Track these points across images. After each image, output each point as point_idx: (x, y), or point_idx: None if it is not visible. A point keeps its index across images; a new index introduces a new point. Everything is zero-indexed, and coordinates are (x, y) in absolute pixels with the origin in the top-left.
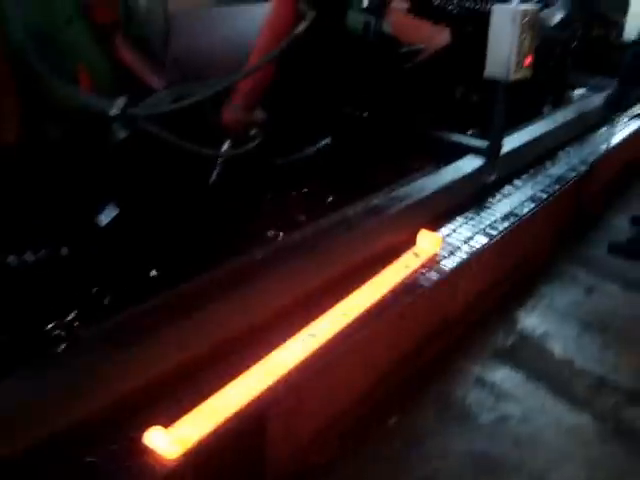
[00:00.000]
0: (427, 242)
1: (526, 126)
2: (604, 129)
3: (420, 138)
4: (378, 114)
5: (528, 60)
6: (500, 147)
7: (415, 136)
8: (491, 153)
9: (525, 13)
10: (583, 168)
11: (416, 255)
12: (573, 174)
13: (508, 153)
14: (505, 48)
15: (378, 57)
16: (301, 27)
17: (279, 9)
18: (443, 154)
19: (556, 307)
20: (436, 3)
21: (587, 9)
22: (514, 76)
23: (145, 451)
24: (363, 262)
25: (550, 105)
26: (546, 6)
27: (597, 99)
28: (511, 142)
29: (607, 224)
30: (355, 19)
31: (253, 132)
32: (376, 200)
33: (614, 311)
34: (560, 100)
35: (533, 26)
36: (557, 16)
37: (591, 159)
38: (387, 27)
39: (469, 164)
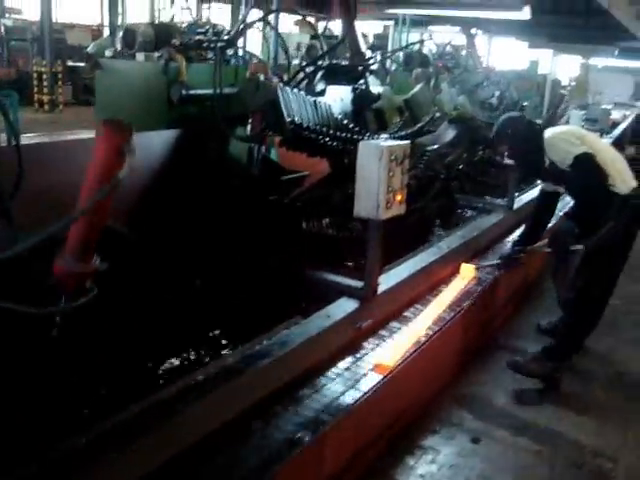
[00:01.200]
0: None
1: (407, 259)
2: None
3: (293, 278)
4: (249, 251)
5: (399, 197)
6: (376, 288)
7: (287, 276)
8: (366, 294)
9: (392, 149)
10: (467, 303)
11: None
12: (457, 310)
13: (387, 291)
14: (373, 186)
15: (261, 185)
16: (124, 170)
17: (102, 151)
18: (318, 295)
19: (440, 462)
20: (310, 135)
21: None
22: (384, 215)
23: None
24: None
25: (439, 229)
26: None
27: (486, 221)
28: (392, 278)
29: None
30: (238, 147)
31: (89, 284)
32: (231, 359)
33: (504, 464)
34: (448, 224)
35: (403, 162)
36: (449, 135)
37: (477, 289)
38: (272, 154)
39: (342, 308)
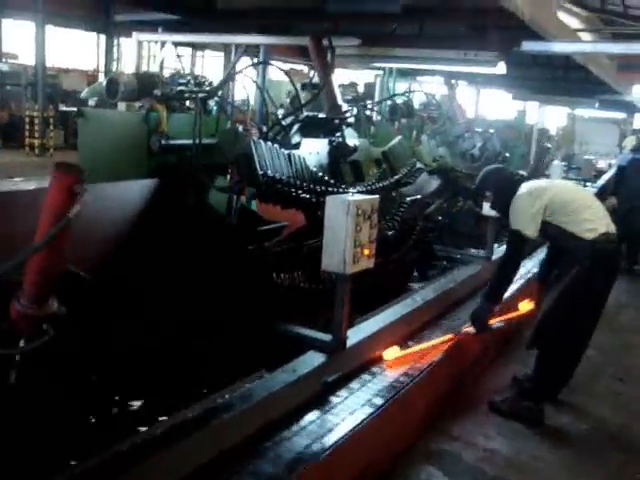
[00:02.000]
0: None
1: (379, 312)
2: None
3: (261, 331)
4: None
5: (367, 251)
6: (344, 341)
7: (256, 329)
8: (334, 348)
9: (360, 204)
10: (439, 357)
11: None
12: (427, 364)
13: (356, 345)
14: (340, 241)
15: (238, 235)
16: (75, 209)
17: (54, 192)
18: (287, 349)
19: None
20: (283, 188)
21: (454, 182)
22: (351, 270)
23: None
24: None
25: (416, 281)
26: None
27: (463, 273)
28: (363, 331)
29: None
30: (217, 197)
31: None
32: (190, 413)
33: None
34: (425, 276)
35: (371, 216)
36: (430, 186)
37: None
38: (252, 204)
39: (308, 362)
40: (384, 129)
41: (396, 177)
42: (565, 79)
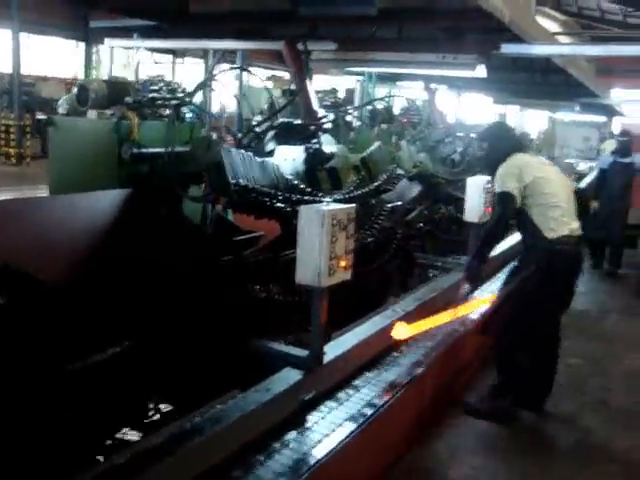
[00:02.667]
0: None
1: (358, 324)
2: None
3: (235, 347)
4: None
5: (344, 263)
6: (321, 357)
7: (230, 345)
8: (311, 364)
9: (335, 214)
10: (420, 370)
11: None
12: (410, 378)
13: (334, 360)
14: (314, 253)
15: (214, 245)
16: None
17: None
18: (262, 366)
19: None
20: (256, 198)
21: (434, 188)
22: (327, 282)
23: None
24: None
25: (397, 290)
26: None
27: (445, 281)
28: (341, 345)
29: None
30: (191, 207)
31: None
32: (159, 438)
33: None
34: (406, 285)
35: (347, 227)
36: (410, 192)
37: (433, 353)
38: (228, 213)
39: (284, 380)
40: (364, 135)
41: (375, 184)
42: (545, 82)
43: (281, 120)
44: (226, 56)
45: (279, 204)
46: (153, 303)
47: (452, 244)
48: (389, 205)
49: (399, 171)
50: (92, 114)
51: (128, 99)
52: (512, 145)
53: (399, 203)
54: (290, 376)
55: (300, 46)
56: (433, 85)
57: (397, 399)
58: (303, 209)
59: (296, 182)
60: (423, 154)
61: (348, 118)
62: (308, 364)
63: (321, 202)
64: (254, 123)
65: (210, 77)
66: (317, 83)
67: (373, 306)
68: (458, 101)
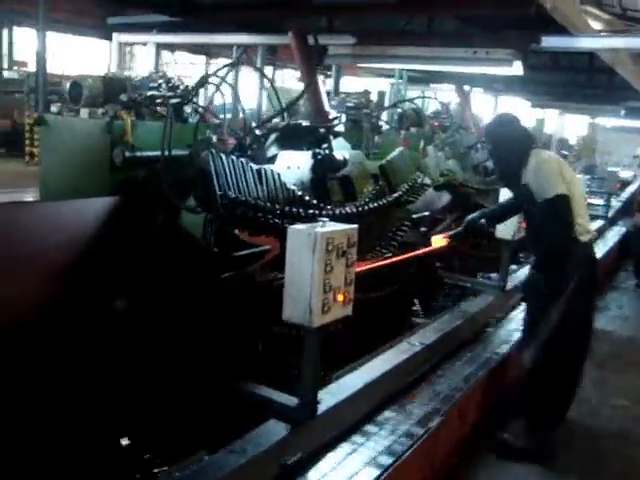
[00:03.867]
0: None
1: (366, 361)
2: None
3: (217, 392)
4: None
5: (341, 297)
6: (314, 406)
7: (210, 390)
8: (301, 416)
9: (330, 237)
10: (437, 421)
11: None
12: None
13: (331, 410)
14: (304, 285)
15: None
16: None
17: None
18: (246, 416)
19: None
20: (248, 212)
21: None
22: (320, 321)
23: None
24: None
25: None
26: None
27: (471, 307)
28: (341, 390)
29: None
30: (190, 217)
31: None
32: None
33: None
34: (429, 310)
35: (346, 252)
36: (442, 202)
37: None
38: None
39: (265, 437)
40: (390, 140)
41: (395, 195)
42: (588, 84)
43: (286, 122)
44: (251, 53)
45: (276, 219)
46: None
47: (483, 262)
48: (416, 215)
49: (425, 180)
50: (84, 113)
51: (123, 97)
52: (529, 138)
53: (427, 213)
54: (274, 431)
55: (310, 39)
56: (467, 87)
57: (404, 462)
58: (291, 231)
59: (300, 193)
60: (452, 161)
61: (374, 121)
62: (297, 416)
63: (319, 219)
64: (254, 124)
65: (211, 74)
66: (349, 85)
67: (389, 336)
68: (495, 105)
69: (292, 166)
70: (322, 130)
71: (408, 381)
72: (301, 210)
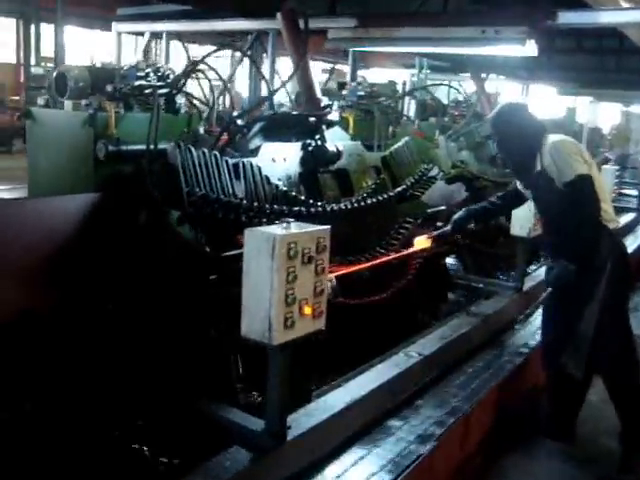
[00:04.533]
0: None
1: (352, 377)
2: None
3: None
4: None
5: (310, 310)
6: (283, 431)
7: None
8: (267, 442)
9: (292, 240)
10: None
11: None
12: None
13: (304, 436)
14: (263, 297)
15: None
16: None
17: None
18: (209, 438)
19: None
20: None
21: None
22: (281, 338)
23: None
24: None
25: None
26: None
27: (482, 311)
28: (319, 412)
29: None
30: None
31: None
32: None
33: None
34: (435, 315)
35: (313, 258)
36: (463, 192)
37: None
38: None
39: (223, 468)
40: (405, 130)
41: (398, 189)
42: (618, 68)
43: (273, 111)
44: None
45: (252, 219)
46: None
47: (499, 260)
48: (431, 210)
49: (433, 172)
50: (68, 105)
51: (108, 87)
52: (540, 124)
53: (442, 208)
54: (234, 460)
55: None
56: (491, 75)
57: None
58: (248, 234)
59: (285, 189)
60: (466, 152)
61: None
62: (262, 443)
63: (283, 220)
64: (235, 114)
65: (199, 61)
66: (372, 76)
67: (388, 344)
68: (523, 94)
69: (277, 159)
70: (313, 119)
71: (401, 400)
72: (284, 207)
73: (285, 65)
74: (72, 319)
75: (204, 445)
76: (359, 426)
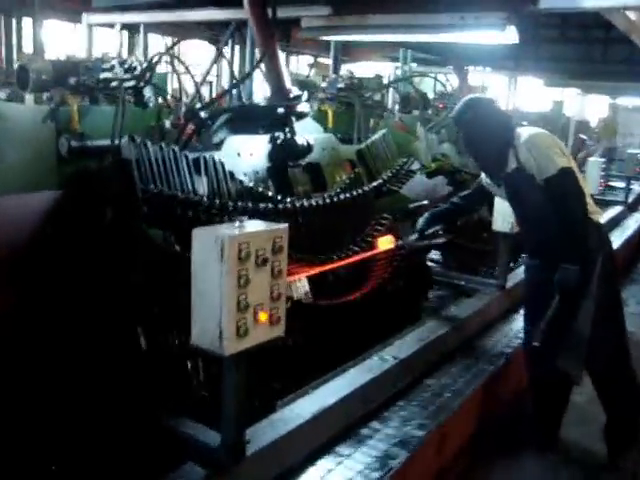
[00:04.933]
0: None
1: (322, 383)
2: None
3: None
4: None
5: (265, 316)
6: (241, 446)
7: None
8: (222, 459)
9: (247, 240)
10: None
11: None
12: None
13: (265, 450)
14: (213, 303)
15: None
16: None
17: None
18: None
19: None
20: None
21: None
22: (236, 347)
23: None
24: None
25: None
26: None
27: (462, 311)
28: (284, 422)
29: None
30: None
31: None
32: None
33: None
34: (413, 315)
35: (269, 259)
36: (445, 188)
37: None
38: None
39: None
40: (388, 123)
41: (374, 183)
42: (605, 59)
43: (239, 103)
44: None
45: (212, 218)
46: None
47: (483, 256)
48: (412, 205)
49: (413, 165)
50: (29, 99)
51: (71, 80)
52: (509, 117)
53: (425, 202)
54: (188, 479)
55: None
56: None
57: None
58: (196, 234)
59: (251, 184)
60: (448, 144)
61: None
62: (218, 459)
63: (235, 218)
64: (198, 106)
65: (164, 52)
66: (360, 70)
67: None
68: (510, 87)
69: (243, 153)
70: (281, 110)
71: (374, 407)
72: (248, 204)
73: None
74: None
75: (157, 462)
76: (327, 437)
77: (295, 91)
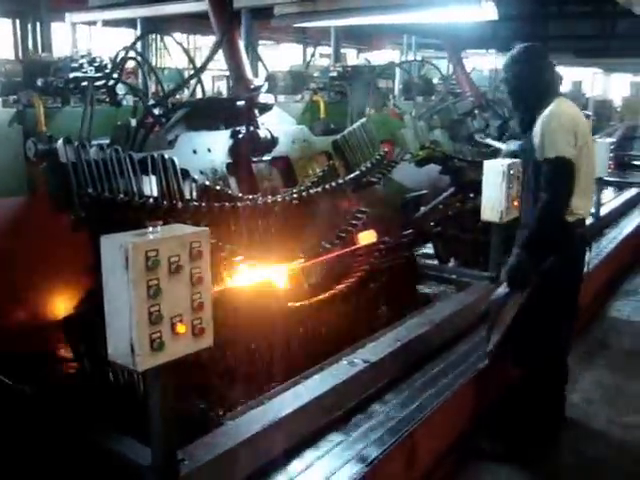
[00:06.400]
0: None
1: (285, 389)
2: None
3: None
4: None
5: (184, 328)
6: (174, 467)
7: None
8: (154, 477)
9: (153, 248)
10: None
11: None
12: None
13: (203, 468)
14: (123, 315)
15: None
16: None
17: None
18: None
19: None
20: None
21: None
22: (151, 361)
23: None
24: None
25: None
26: None
27: (450, 306)
28: (232, 435)
29: None
30: None
31: None
32: None
33: None
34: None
35: (188, 267)
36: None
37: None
38: None
39: None
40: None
41: (350, 175)
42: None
43: (197, 98)
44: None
45: (163, 220)
46: None
47: (476, 246)
48: (411, 195)
49: (400, 155)
50: None
51: (39, 81)
52: (553, 81)
53: (424, 191)
54: None
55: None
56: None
57: None
58: (103, 242)
59: (207, 183)
60: (439, 131)
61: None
62: (151, 476)
63: (148, 223)
64: (152, 102)
65: (129, 48)
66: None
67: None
68: None
69: (200, 150)
70: (242, 103)
71: (335, 417)
72: (203, 204)
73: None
74: None
75: None
76: (278, 452)
77: (257, 82)
